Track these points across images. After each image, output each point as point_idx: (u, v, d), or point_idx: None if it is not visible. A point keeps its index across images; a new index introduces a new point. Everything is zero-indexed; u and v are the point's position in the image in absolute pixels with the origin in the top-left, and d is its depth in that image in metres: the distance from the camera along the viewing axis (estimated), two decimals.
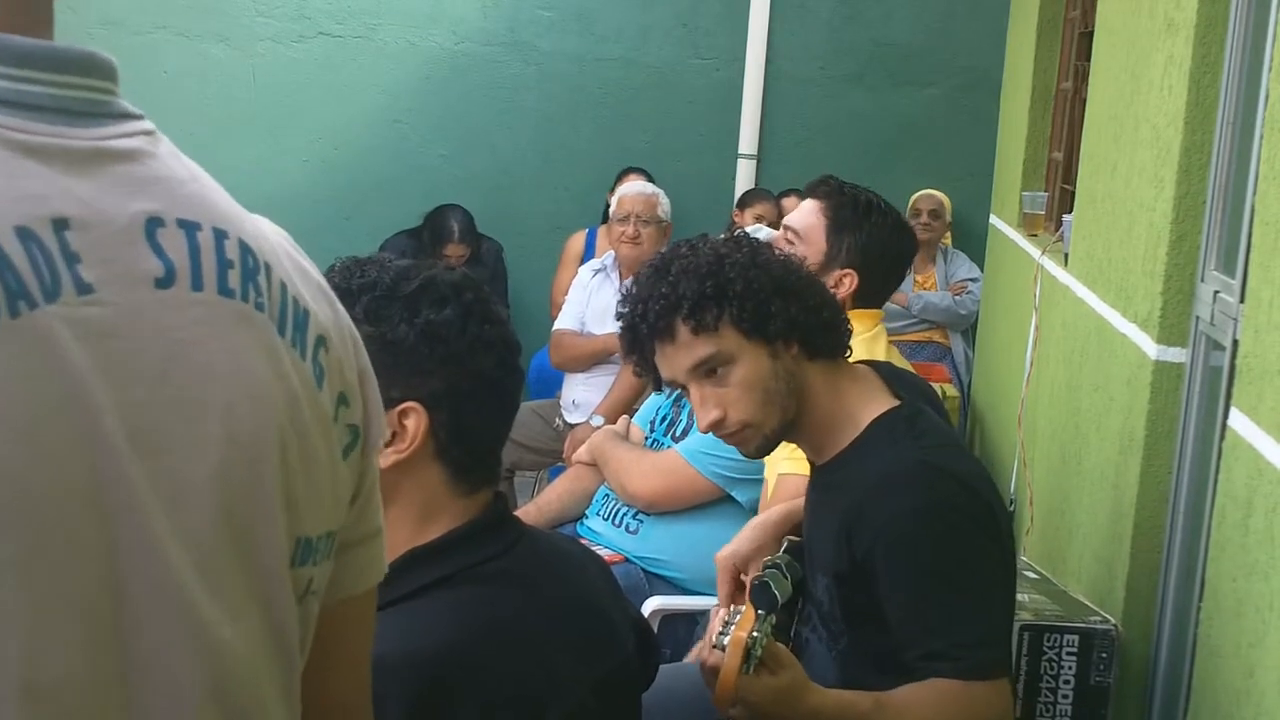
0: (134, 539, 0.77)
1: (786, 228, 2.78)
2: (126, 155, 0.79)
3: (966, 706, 1.80)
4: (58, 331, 0.72)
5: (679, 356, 1.93)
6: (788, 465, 2.41)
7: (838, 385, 1.97)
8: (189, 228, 0.80)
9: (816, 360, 1.95)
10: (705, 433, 2.01)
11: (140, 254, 0.77)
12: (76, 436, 0.73)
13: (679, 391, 3.09)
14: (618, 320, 2.01)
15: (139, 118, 0.81)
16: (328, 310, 0.92)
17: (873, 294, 2.75)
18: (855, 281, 2.68)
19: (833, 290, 2.67)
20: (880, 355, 2.57)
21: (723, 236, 2.05)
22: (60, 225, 0.73)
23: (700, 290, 1.89)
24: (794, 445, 2.07)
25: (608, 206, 5.58)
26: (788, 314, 1.91)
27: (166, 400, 0.78)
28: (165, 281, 0.78)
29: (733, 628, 1.74)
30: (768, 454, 2.03)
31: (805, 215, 2.75)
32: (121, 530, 0.76)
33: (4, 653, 0.71)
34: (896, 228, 2.78)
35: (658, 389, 2.12)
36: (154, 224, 0.78)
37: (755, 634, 1.73)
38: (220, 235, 0.82)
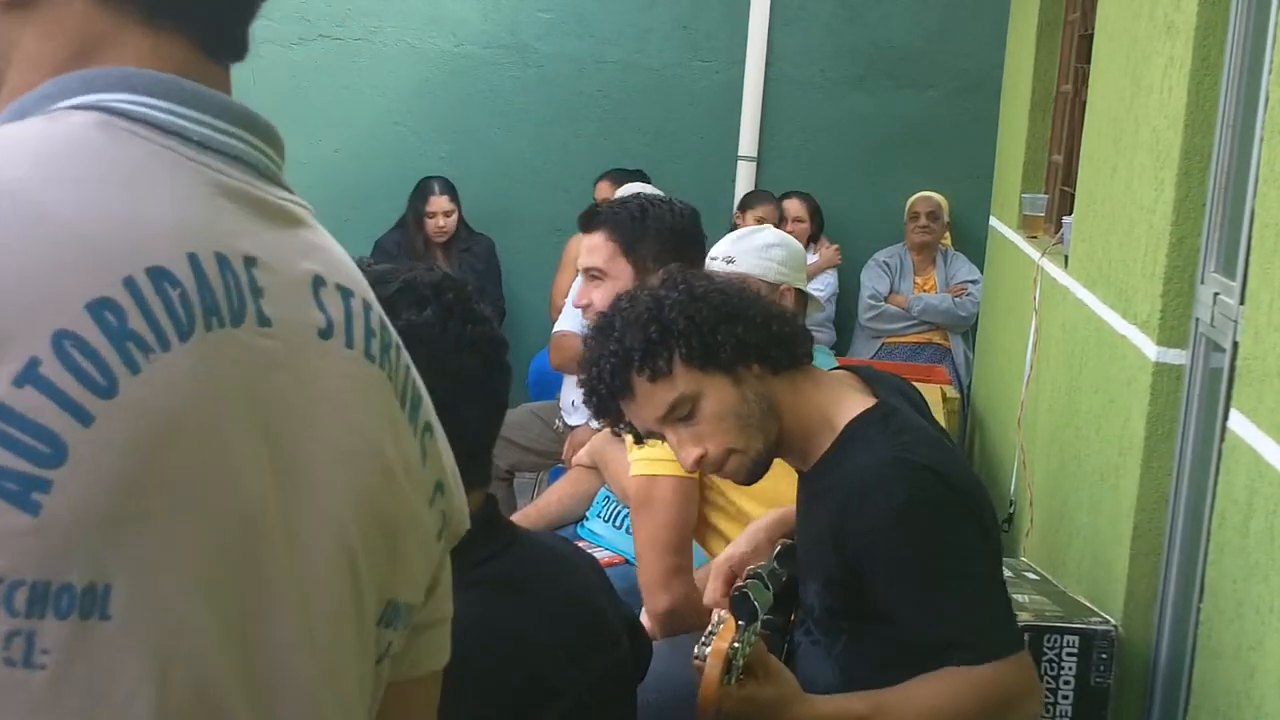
0: (277, 559, 0.82)
1: (589, 270, 2.81)
2: (300, 220, 0.88)
3: (985, 690, 1.81)
4: (237, 354, 0.79)
5: (645, 409, 1.93)
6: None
7: (807, 393, 1.96)
8: (345, 293, 0.89)
9: (781, 374, 1.95)
10: (692, 472, 2.02)
11: (308, 304, 0.86)
12: (242, 450, 0.80)
13: None
14: (579, 387, 2.01)
15: (294, 192, 0.89)
16: (430, 402, 0.98)
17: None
18: None
19: None
20: None
21: (658, 279, 2.04)
22: (250, 262, 0.81)
23: (646, 338, 1.89)
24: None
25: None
26: (735, 338, 1.90)
27: (313, 440, 0.84)
28: (326, 333, 0.86)
29: (714, 638, 1.75)
30: (760, 478, 2.02)
31: (596, 251, 2.80)
32: (267, 548, 0.81)
33: (152, 645, 0.75)
34: (671, 209, 2.84)
35: (639, 442, 2.11)
36: (318, 282, 0.87)
37: (735, 645, 1.73)
38: (366, 306, 0.91)
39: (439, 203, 5.67)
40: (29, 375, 0.71)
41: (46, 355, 0.71)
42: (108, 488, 0.72)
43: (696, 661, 1.75)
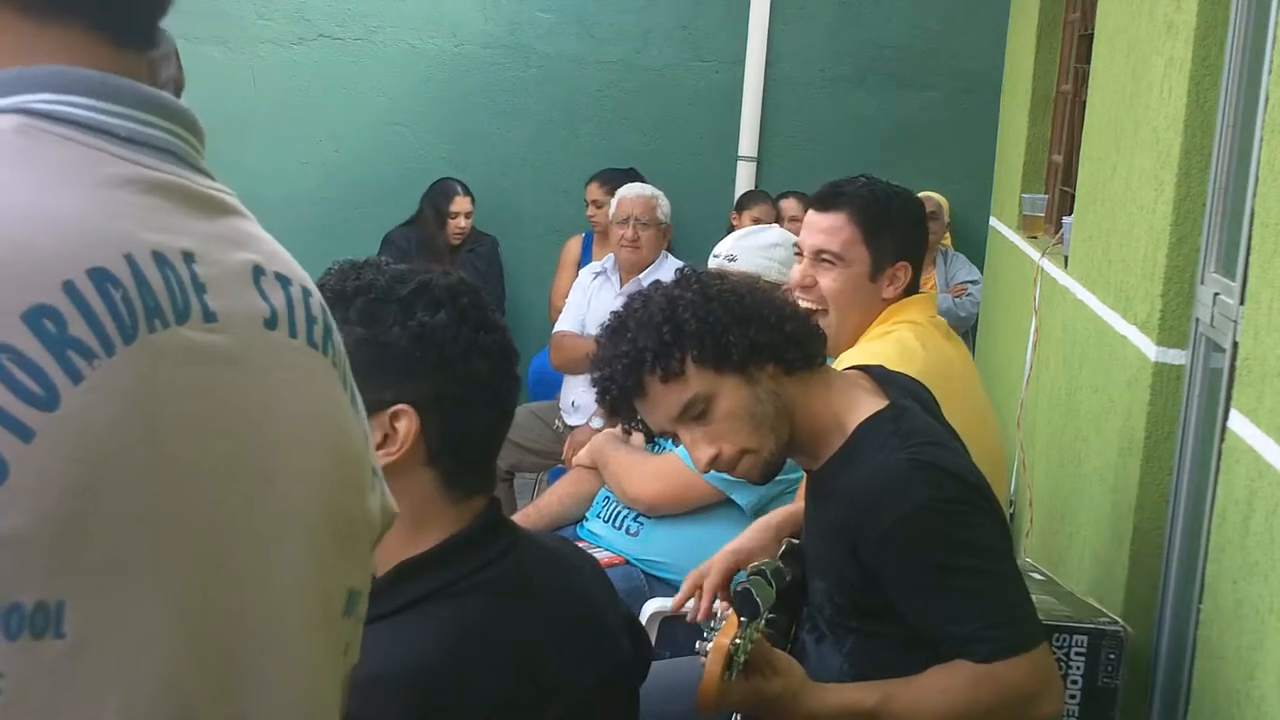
0: (243, 560, 0.80)
1: (820, 252, 2.56)
2: (231, 209, 0.85)
3: (995, 686, 1.81)
4: (185, 353, 0.77)
5: (658, 409, 1.93)
6: None
7: (820, 393, 1.97)
8: (283, 281, 0.86)
9: (795, 374, 1.95)
10: (705, 473, 2.01)
11: (251, 294, 0.83)
12: (196, 452, 0.77)
13: None
14: (592, 385, 2.00)
15: (216, 179, 0.86)
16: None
17: (917, 273, 2.65)
18: (909, 270, 2.58)
19: (889, 287, 2.56)
20: (952, 340, 2.57)
21: (673, 278, 2.03)
22: (189, 257, 0.79)
23: (659, 339, 1.89)
24: None
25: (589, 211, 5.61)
26: (747, 339, 1.90)
27: (270, 433, 0.82)
28: (271, 323, 0.84)
29: (715, 634, 1.75)
30: (774, 477, 2.02)
31: (835, 233, 2.55)
32: (232, 550, 0.79)
33: (113, 661, 0.73)
34: (910, 199, 2.66)
35: (650, 441, 2.11)
36: (258, 272, 0.84)
37: (737, 641, 1.74)
38: (305, 293, 0.88)
39: (462, 203, 5.68)
40: None
41: None
42: (54, 503, 0.70)
43: (699, 657, 1.76)
